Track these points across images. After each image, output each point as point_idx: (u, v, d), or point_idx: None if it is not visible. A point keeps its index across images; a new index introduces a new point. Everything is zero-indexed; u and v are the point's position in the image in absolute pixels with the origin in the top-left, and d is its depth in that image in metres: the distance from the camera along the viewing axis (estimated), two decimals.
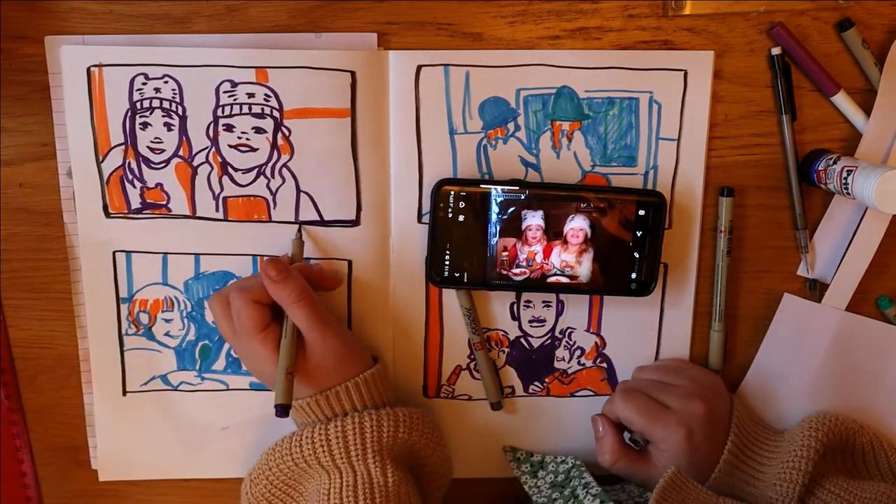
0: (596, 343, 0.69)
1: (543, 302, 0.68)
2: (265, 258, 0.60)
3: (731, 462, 0.62)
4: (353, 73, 0.63)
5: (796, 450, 0.61)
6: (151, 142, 0.65)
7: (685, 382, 0.64)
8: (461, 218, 0.64)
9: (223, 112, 0.64)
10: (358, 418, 0.59)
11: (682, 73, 0.65)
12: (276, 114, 0.64)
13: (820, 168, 0.64)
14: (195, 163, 0.65)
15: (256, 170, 0.65)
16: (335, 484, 0.58)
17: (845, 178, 0.61)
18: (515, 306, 0.69)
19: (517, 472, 0.68)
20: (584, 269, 0.65)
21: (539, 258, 0.65)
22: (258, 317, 0.59)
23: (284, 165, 0.65)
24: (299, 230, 0.65)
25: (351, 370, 0.61)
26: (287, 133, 0.64)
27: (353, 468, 0.59)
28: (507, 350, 0.69)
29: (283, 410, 0.57)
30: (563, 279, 0.65)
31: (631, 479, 0.65)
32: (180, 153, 0.65)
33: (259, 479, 0.62)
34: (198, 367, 0.69)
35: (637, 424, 0.63)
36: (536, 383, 0.70)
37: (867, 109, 0.65)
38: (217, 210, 0.66)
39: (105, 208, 0.66)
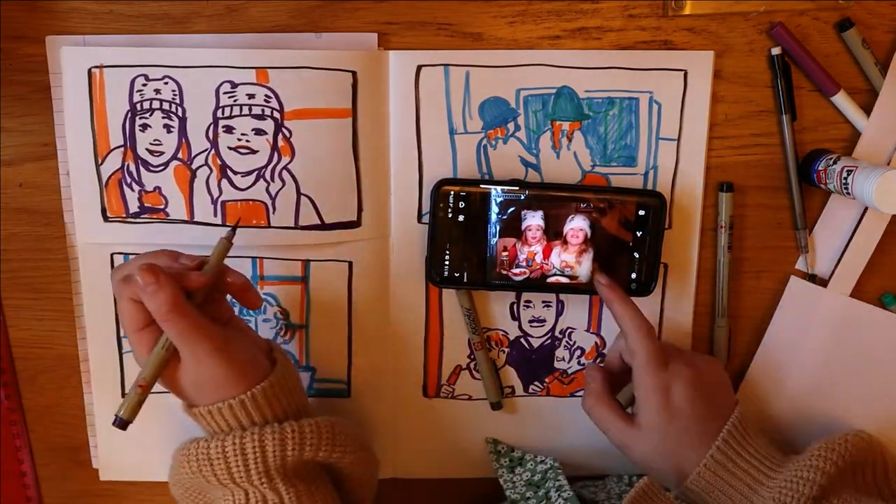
0: (596, 343, 0.70)
1: (543, 302, 0.68)
2: (175, 255, 0.57)
3: (719, 461, 0.59)
4: (353, 73, 0.63)
5: (802, 471, 0.58)
6: (151, 144, 0.64)
7: (683, 357, 0.62)
8: (461, 218, 0.64)
9: (223, 113, 0.64)
10: (239, 438, 0.55)
11: (682, 73, 0.65)
12: (276, 115, 0.64)
13: (820, 168, 0.64)
14: (194, 165, 0.65)
15: (256, 173, 0.65)
16: (228, 500, 0.56)
17: (845, 178, 0.61)
18: (515, 306, 0.69)
19: (495, 464, 0.68)
20: (584, 269, 0.65)
21: (539, 258, 0.65)
22: (134, 315, 0.54)
23: (285, 168, 0.65)
24: (233, 230, 0.58)
25: (233, 390, 0.55)
26: (287, 134, 0.64)
27: (242, 488, 0.56)
28: (507, 350, 0.69)
29: (120, 423, 0.53)
30: (563, 279, 0.65)
31: (605, 431, 0.63)
32: (179, 155, 0.65)
33: (175, 481, 0.59)
34: None
35: (637, 346, 0.61)
36: (536, 383, 0.70)
37: (867, 109, 0.65)
38: (215, 215, 0.65)
39: (103, 212, 0.66)
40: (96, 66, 0.63)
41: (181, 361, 0.55)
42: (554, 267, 0.65)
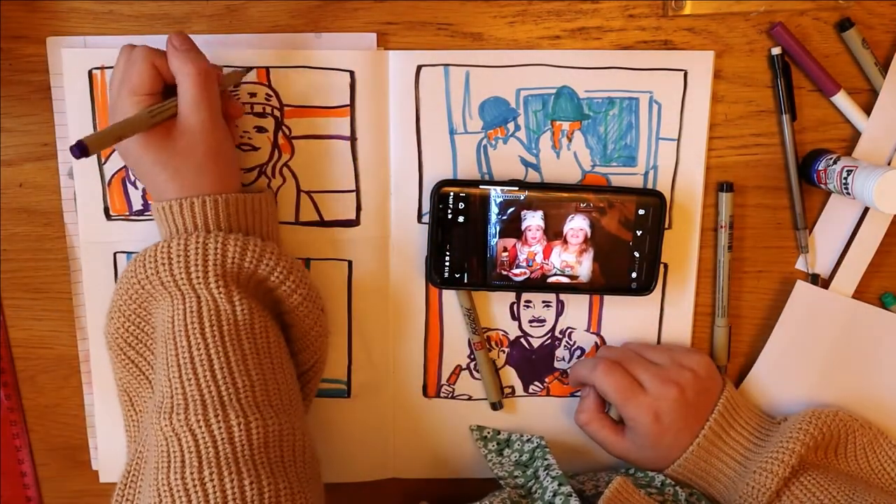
0: (596, 343, 0.69)
1: (543, 302, 0.68)
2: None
3: (711, 439, 0.63)
4: (352, 73, 0.63)
5: (784, 442, 0.61)
6: None
7: (666, 362, 0.64)
8: (461, 219, 0.64)
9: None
10: (203, 238, 0.55)
11: (682, 73, 0.65)
12: (276, 113, 0.64)
13: (820, 168, 0.64)
14: None
15: (257, 169, 0.65)
16: (178, 309, 0.55)
17: (845, 178, 0.61)
18: (515, 306, 0.69)
19: (483, 450, 0.69)
20: (584, 268, 0.65)
21: (539, 258, 0.65)
22: (149, 79, 0.55)
23: (285, 164, 0.65)
24: (249, 69, 0.63)
25: (209, 183, 0.56)
26: (288, 132, 0.64)
27: (196, 292, 0.55)
28: (507, 350, 0.69)
29: (80, 148, 0.49)
30: (563, 279, 0.65)
31: (601, 445, 0.67)
32: None
33: (113, 312, 0.58)
34: None
35: (611, 400, 0.64)
36: (536, 383, 0.70)
37: (867, 109, 0.65)
38: None
39: (106, 210, 0.66)
40: (97, 68, 0.63)
41: (179, 130, 0.55)
42: (554, 267, 0.65)
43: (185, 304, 0.55)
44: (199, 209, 0.56)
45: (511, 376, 0.70)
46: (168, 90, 0.57)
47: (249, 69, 0.63)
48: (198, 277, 0.54)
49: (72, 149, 0.49)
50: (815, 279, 0.68)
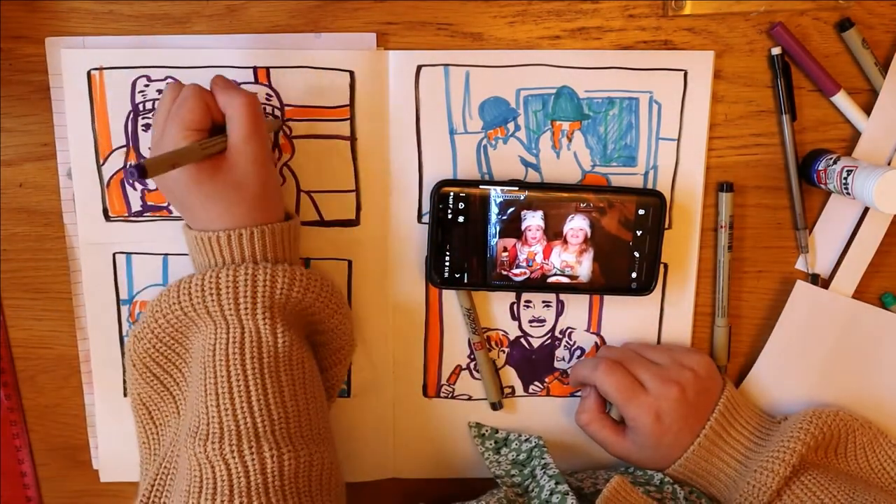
0: (596, 343, 0.69)
1: (543, 302, 0.68)
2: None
3: (712, 439, 0.63)
4: (352, 73, 0.63)
5: (785, 441, 0.61)
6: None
7: (667, 362, 0.65)
8: (461, 219, 0.64)
9: None
10: (252, 269, 0.55)
11: (682, 73, 0.65)
12: (276, 113, 0.64)
13: (820, 168, 0.64)
14: None
15: None
16: (221, 338, 0.55)
17: (845, 178, 0.61)
18: (515, 306, 0.69)
19: (481, 447, 0.69)
20: (584, 268, 0.65)
21: (539, 258, 0.65)
22: (199, 115, 0.55)
23: (285, 164, 0.65)
24: (285, 121, 0.64)
25: (259, 214, 0.57)
26: (288, 132, 0.64)
27: (242, 323, 0.55)
28: (507, 350, 0.69)
29: (140, 171, 0.48)
30: (564, 279, 0.65)
31: (601, 445, 0.67)
32: None
33: (144, 333, 0.58)
34: None
35: (612, 400, 0.64)
36: (536, 383, 0.70)
37: (867, 109, 0.65)
38: None
39: (105, 212, 0.66)
40: (96, 69, 0.63)
41: (230, 163, 0.56)
42: (554, 267, 0.65)
43: (228, 333, 0.55)
44: (247, 241, 0.56)
45: (511, 376, 0.70)
46: (214, 129, 0.57)
47: (285, 121, 0.64)
48: (245, 309, 0.55)
49: (129, 170, 0.49)
50: (815, 279, 0.68)
